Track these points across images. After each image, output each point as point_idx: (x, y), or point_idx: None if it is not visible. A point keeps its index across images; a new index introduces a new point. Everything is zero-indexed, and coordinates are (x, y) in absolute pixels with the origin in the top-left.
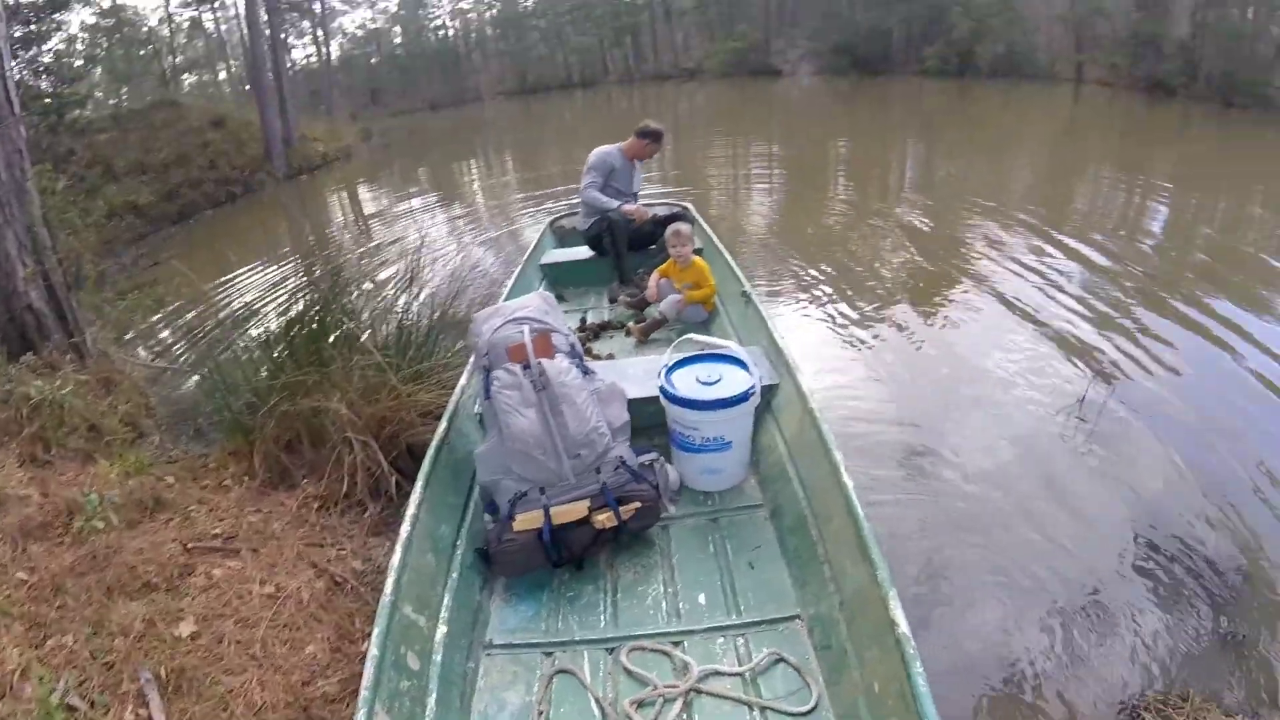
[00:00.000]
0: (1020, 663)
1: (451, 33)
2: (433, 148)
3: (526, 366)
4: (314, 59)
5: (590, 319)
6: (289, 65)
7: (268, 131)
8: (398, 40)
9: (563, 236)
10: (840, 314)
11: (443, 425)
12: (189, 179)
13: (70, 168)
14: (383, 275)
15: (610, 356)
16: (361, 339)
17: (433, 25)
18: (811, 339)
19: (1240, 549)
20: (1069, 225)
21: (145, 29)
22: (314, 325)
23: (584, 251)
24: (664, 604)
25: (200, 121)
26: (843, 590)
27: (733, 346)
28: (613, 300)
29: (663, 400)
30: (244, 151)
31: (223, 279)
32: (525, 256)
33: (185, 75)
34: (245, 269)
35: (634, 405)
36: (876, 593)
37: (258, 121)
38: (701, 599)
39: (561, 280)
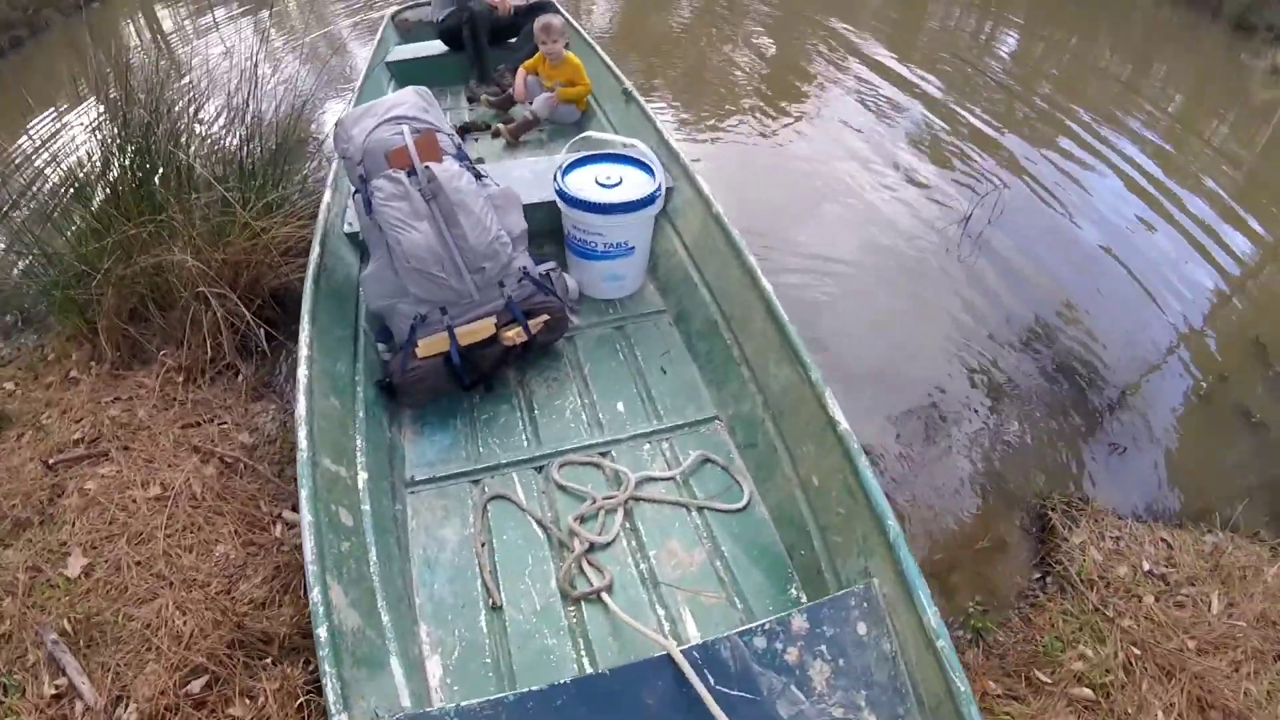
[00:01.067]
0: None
1: None
2: None
3: (412, 172)
4: None
5: (450, 120)
6: None
7: None
8: None
9: (407, 31)
10: (690, 119)
11: (315, 251)
12: None
13: None
14: (205, 103)
15: (480, 160)
16: (197, 172)
17: None
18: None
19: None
20: (918, 50)
21: None
22: (137, 164)
23: (436, 46)
24: (584, 415)
25: None
26: (766, 390)
27: (638, 145)
28: (472, 100)
29: (560, 204)
30: None
31: (19, 133)
32: (369, 57)
33: None
34: (44, 118)
35: (526, 210)
36: (809, 392)
37: None
38: (620, 407)
39: (412, 79)
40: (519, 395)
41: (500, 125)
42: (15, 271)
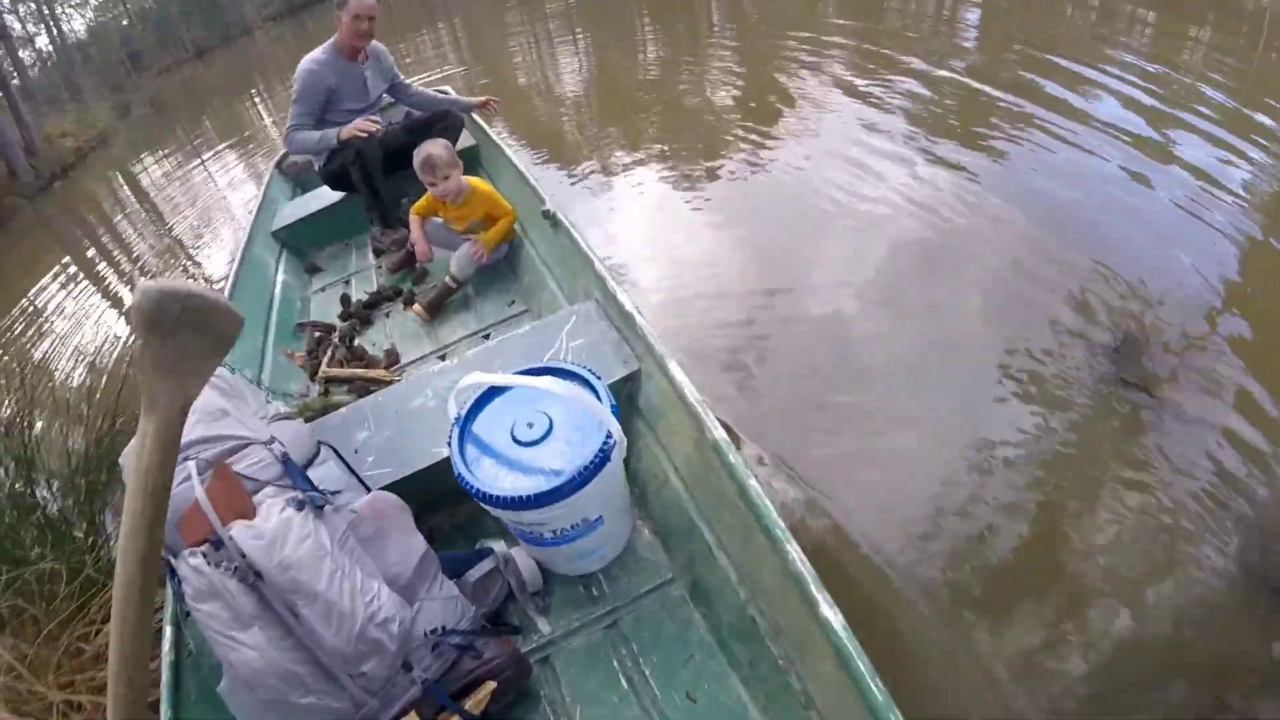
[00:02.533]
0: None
1: None
2: (191, 109)
3: (218, 543)
4: (51, 45)
5: (355, 294)
6: (33, 61)
7: (4, 148)
8: None
9: (297, 177)
10: (675, 179)
11: (167, 632)
12: None
13: None
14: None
15: (392, 356)
16: None
17: None
18: (647, 218)
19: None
20: (887, 36)
21: None
22: None
23: (327, 195)
24: None
25: None
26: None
27: (546, 382)
28: (379, 252)
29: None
30: None
31: None
32: (250, 224)
33: None
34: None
35: (434, 473)
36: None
37: None
38: None
39: (306, 243)
40: None
41: (418, 301)
42: None
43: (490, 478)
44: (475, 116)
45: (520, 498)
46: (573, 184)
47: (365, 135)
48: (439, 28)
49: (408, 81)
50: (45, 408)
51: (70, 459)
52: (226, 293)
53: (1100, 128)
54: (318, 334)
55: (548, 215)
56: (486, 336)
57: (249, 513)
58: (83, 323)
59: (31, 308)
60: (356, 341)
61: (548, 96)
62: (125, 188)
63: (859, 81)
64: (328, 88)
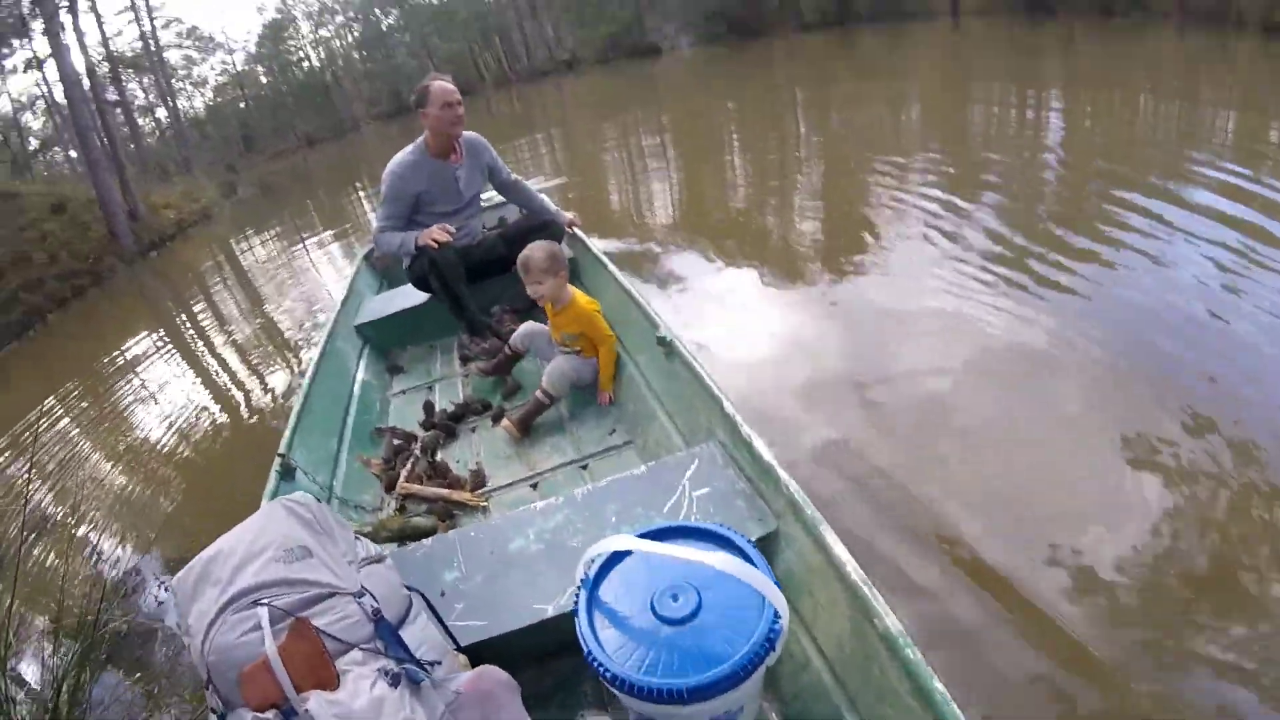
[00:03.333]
0: None
1: (317, 63)
2: (297, 195)
3: (287, 715)
4: (169, 117)
5: (439, 402)
6: (151, 129)
7: (108, 209)
8: (264, 80)
9: (385, 271)
10: (773, 295)
11: None
12: (27, 280)
13: None
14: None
15: (478, 477)
16: None
17: (295, 59)
18: (750, 340)
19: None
20: (971, 155)
21: None
22: None
23: (414, 293)
24: None
25: (39, 210)
26: None
27: (719, 559)
28: (465, 360)
29: (604, 682)
30: (88, 236)
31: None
32: (333, 315)
33: (40, 156)
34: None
35: (534, 632)
36: None
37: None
38: None
39: (390, 341)
40: None
41: (508, 415)
42: None
43: (623, 656)
44: (576, 230)
45: (676, 691)
46: (665, 299)
47: (435, 246)
48: (537, 136)
49: (515, 177)
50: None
51: None
52: (305, 386)
53: (1190, 239)
54: (397, 442)
55: (663, 342)
56: (584, 467)
57: (330, 682)
58: (156, 395)
59: (113, 367)
60: (439, 455)
61: (638, 209)
62: (223, 263)
63: (945, 200)
64: (415, 192)
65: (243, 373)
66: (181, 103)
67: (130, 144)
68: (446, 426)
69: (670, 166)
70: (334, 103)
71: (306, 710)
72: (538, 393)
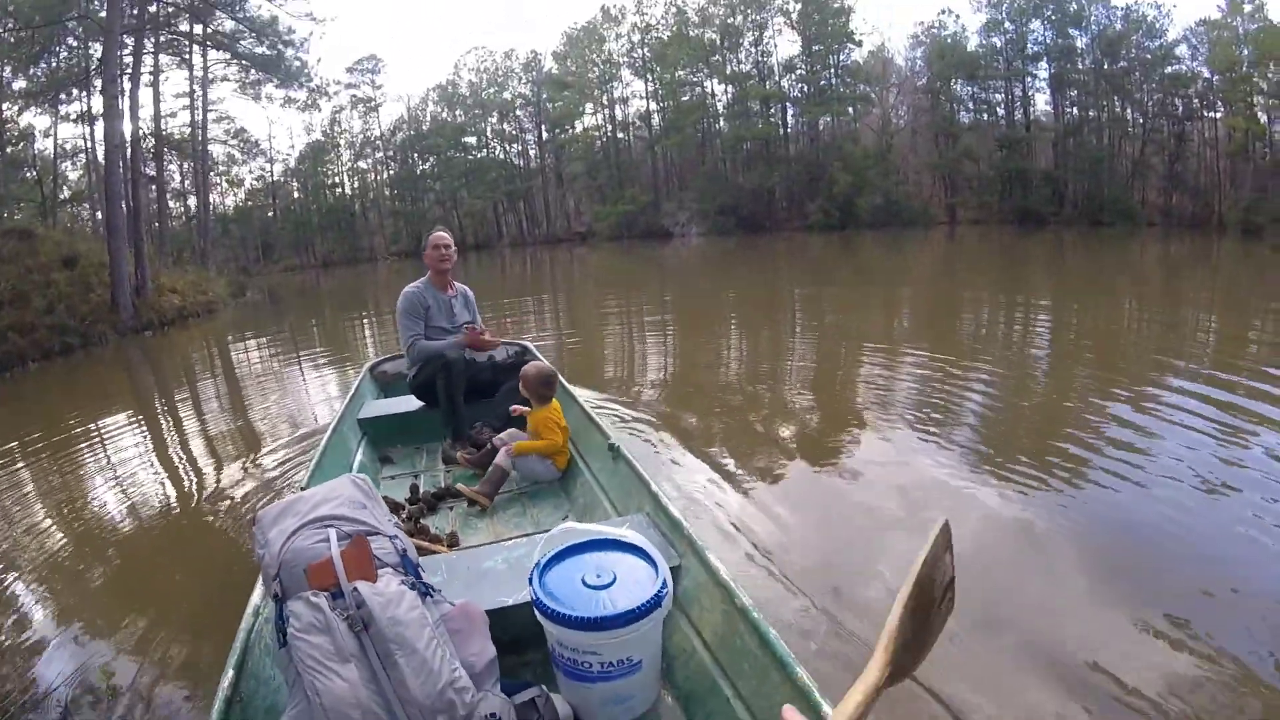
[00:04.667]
0: None
1: (349, 190)
2: (303, 309)
3: (337, 594)
4: (198, 205)
5: (424, 486)
6: (179, 213)
7: (115, 277)
8: (296, 195)
9: (385, 384)
10: (739, 465)
11: (227, 676)
12: (20, 322)
13: None
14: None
15: (452, 538)
16: None
17: (330, 183)
18: (712, 500)
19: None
20: (960, 350)
21: (30, 151)
22: None
23: (410, 402)
24: None
25: (52, 257)
26: None
27: (626, 533)
28: (448, 462)
29: (541, 618)
30: (89, 298)
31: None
32: (339, 412)
33: (69, 206)
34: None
35: (497, 616)
36: None
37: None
38: None
39: (385, 438)
40: None
41: (470, 487)
42: None
43: (562, 606)
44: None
45: (586, 619)
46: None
47: (474, 345)
48: (543, 297)
49: (484, 327)
50: None
51: None
52: (312, 463)
53: (1179, 431)
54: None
55: (612, 448)
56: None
57: (371, 578)
58: (115, 466)
59: (80, 428)
60: (422, 522)
61: (630, 373)
62: (214, 358)
63: (930, 394)
64: (424, 305)
65: (204, 466)
66: (214, 196)
67: (155, 222)
68: (429, 502)
69: (667, 339)
70: (356, 231)
71: (355, 589)
72: (499, 463)
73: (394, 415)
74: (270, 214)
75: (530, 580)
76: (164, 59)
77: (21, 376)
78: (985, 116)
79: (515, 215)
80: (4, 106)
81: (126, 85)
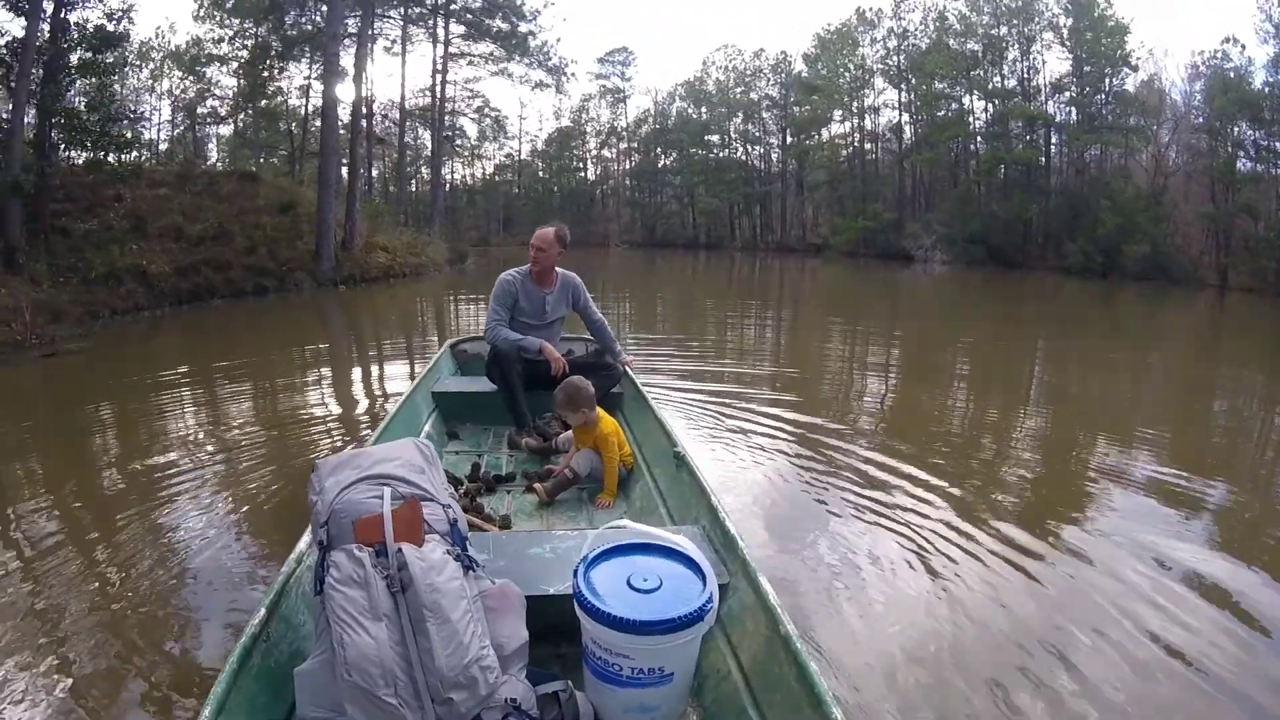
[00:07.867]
0: None
1: (591, 177)
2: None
3: (381, 552)
4: (432, 173)
5: (485, 466)
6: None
7: (321, 228)
8: (541, 174)
9: (464, 362)
10: (936, 531)
11: (260, 614)
12: (216, 259)
13: (108, 214)
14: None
15: (505, 521)
16: None
17: (573, 166)
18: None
19: None
20: (1206, 454)
21: (287, 105)
22: None
23: (484, 383)
24: None
25: (270, 202)
26: None
27: (681, 541)
28: (513, 447)
29: (579, 612)
30: (295, 245)
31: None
32: (415, 381)
33: (315, 159)
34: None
35: (536, 603)
36: None
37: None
38: None
39: (457, 414)
40: None
41: (536, 483)
42: None
43: (603, 603)
44: (629, 370)
45: (625, 620)
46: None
47: (550, 359)
48: (767, 315)
49: (600, 318)
50: None
51: None
52: (381, 426)
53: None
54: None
55: (677, 456)
56: None
57: (418, 542)
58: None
59: (246, 368)
60: (478, 500)
61: (838, 407)
62: (414, 313)
63: (1171, 490)
64: (514, 296)
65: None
66: (460, 168)
67: (391, 186)
68: (489, 482)
69: (887, 376)
70: (592, 216)
71: (399, 550)
72: (567, 470)
73: (466, 393)
74: (515, 190)
75: (575, 572)
76: (412, 30)
77: (206, 309)
78: (1273, 169)
79: (750, 219)
80: (260, 64)
81: (349, 57)
